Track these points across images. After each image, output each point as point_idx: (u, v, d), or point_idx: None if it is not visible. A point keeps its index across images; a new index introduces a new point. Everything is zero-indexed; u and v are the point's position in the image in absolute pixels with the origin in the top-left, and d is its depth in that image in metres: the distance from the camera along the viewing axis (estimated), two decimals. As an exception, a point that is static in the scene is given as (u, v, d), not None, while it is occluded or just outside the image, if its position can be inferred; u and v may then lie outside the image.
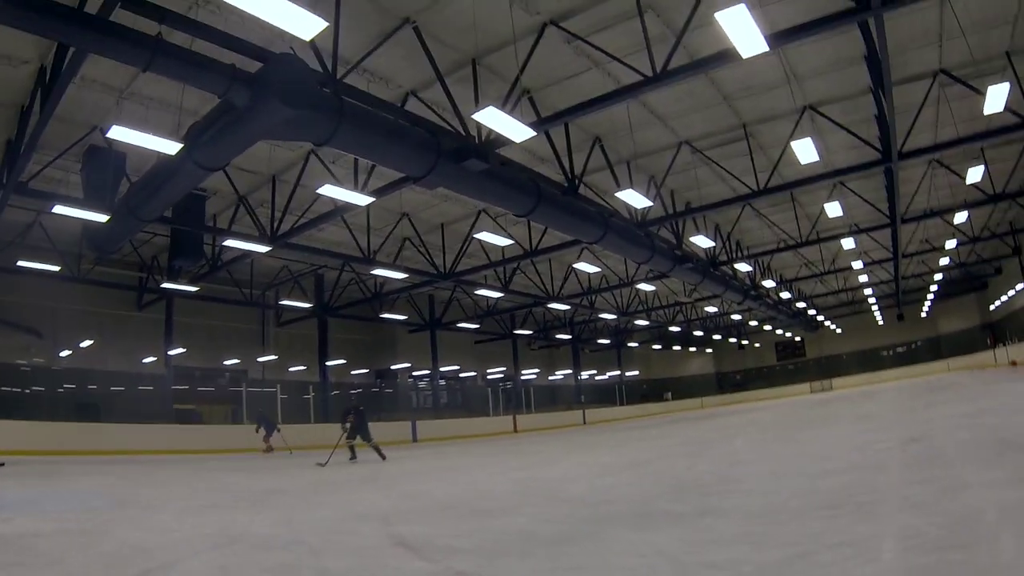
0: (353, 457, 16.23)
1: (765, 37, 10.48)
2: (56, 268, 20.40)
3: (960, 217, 26.13)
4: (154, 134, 11.32)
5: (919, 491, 4.99)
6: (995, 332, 47.29)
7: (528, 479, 10.07)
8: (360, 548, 5.14)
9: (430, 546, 5.01)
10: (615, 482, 8.59)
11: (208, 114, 10.65)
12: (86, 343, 25.68)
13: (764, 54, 11.57)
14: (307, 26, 8.91)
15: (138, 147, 12.24)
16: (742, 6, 9.49)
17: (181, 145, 10.99)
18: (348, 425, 16.28)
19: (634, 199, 17.16)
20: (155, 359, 27.04)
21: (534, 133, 12.94)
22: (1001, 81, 13.89)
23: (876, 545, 3.61)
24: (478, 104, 12.67)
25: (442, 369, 38.36)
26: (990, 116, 15.82)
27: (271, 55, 9.87)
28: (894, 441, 8.82)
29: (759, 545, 3.96)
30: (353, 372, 36.07)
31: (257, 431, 20.77)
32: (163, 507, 8.13)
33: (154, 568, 4.41)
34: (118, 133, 11.11)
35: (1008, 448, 6.18)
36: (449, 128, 13.67)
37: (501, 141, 13.28)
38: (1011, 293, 41.29)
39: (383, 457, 16.02)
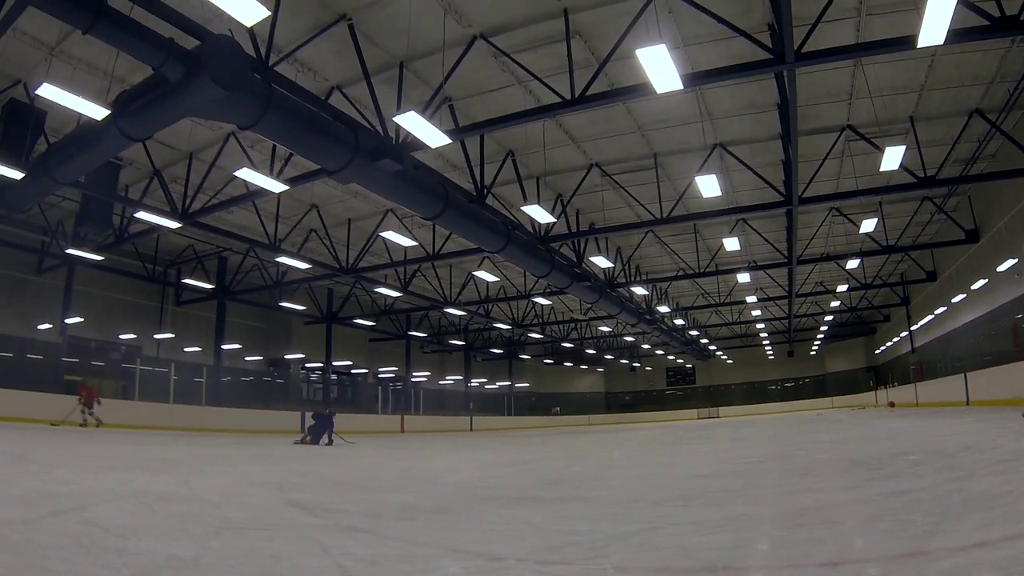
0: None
1: (681, 76, 11.19)
2: (-45, 221, 19.55)
3: (852, 263, 27.87)
4: (81, 96, 11.22)
5: (764, 492, 5.62)
6: (878, 375, 50.42)
7: (411, 468, 10.51)
8: (256, 506, 5.47)
9: (320, 508, 5.41)
10: (493, 474, 9.08)
11: (139, 84, 10.75)
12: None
13: (680, 91, 12.37)
14: (249, 12, 9.23)
15: (60, 108, 12.15)
16: (663, 46, 10.21)
17: (108, 111, 11.04)
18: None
19: (538, 214, 17.86)
20: (50, 326, 25.99)
21: (449, 141, 13.51)
22: (903, 143, 15.14)
23: (717, 525, 4.16)
24: (400, 106, 13.14)
25: (335, 363, 38.34)
26: (888, 174, 17.16)
27: (208, 34, 10.09)
28: (757, 458, 9.57)
29: (616, 521, 4.49)
30: (247, 358, 35.61)
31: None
32: (61, 465, 8.21)
33: (65, 510, 4.63)
34: (48, 92, 10.98)
35: (854, 466, 6.87)
36: (368, 126, 14.06)
37: (417, 145, 13.73)
38: (895, 340, 44.01)
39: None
